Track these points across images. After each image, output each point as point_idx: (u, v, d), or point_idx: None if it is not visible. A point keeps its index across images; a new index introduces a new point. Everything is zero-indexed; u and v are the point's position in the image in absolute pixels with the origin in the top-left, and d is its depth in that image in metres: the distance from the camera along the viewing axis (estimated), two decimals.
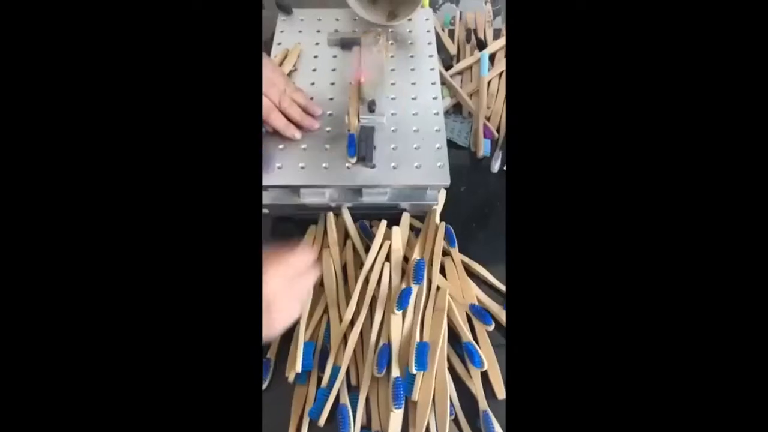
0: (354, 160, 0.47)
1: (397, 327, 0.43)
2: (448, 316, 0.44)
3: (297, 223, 0.52)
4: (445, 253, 0.49)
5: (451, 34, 0.72)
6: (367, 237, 0.50)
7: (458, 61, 0.67)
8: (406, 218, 0.51)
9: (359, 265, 0.48)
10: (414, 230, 0.52)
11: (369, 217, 0.52)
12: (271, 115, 0.48)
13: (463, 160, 0.59)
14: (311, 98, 0.52)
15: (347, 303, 0.45)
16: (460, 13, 0.74)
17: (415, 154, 0.48)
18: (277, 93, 0.48)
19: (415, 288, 0.45)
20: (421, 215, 0.52)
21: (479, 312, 0.45)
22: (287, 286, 0.37)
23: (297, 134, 0.49)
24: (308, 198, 0.49)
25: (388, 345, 0.42)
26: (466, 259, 0.49)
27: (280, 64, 0.55)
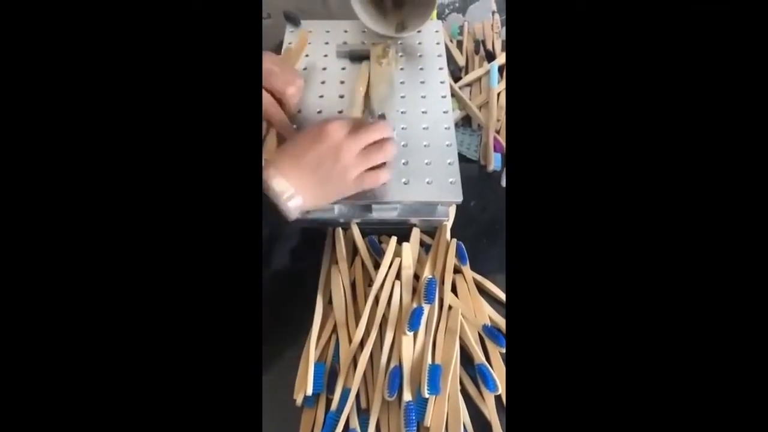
0: None
1: (409, 348, 0.42)
2: (460, 336, 0.43)
3: (305, 237, 0.51)
4: (456, 271, 0.48)
5: (459, 45, 0.71)
6: (376, 253, 0.49)
7: (467, 72, 0.67)
8: (416, 234, 0.50)
9: (368, 282, 0.47)
10: (424, 246, 0.50)
11: (378, 232, 0.51)
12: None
13: (472, 174, 0.58)
14: (319, 112, 0.51)
15: (357, 323, 0.44)
16: (466, 23, 0.74)
17: (426, 170, 0.47)
18: (297, 92, 0.48)
19: (426, 307, 0.44)
20: (431, 231, 0.51)
21: (492, 333, 0.44)
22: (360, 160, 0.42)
23: None
24: (316, 213, 0.48)
25: (399, 367, 0.41)
26: (478, 277, 0.48)
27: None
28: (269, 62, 0.48)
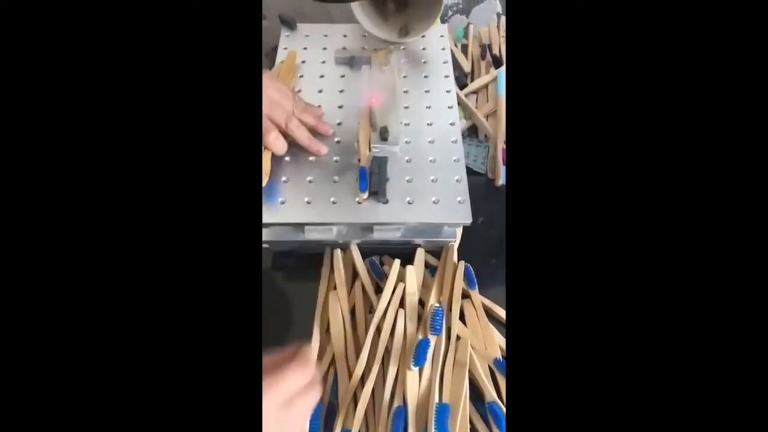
0: (365, 195, 0.43)
1: (414, 384, 0.39)
2: (469, 371, 0.40)
3: (300, 258, 0.48)
4: (464, 296, 0.45)
5: (464, 49, 0.67)
6: (378, 276, 0.45)
7: (473, 79, 0.63)
8: (420, 255, 0.46)
9: (369, 309, 0.44)
10: (429, 267, 0.47)
11: (379, 252, 0.47)
12: (270, 137, 0.44)
13: (479, 188, 0.54)
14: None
15: (357, 355, 0.40)
16: (470, 25, 0.70)
17: (433, 188, 0.44)
18: (283, 114, 0.44)
19: (433, 339, 0.40)
20: (437, 251, 0.48)
21: (505, 367, 0.40)
22: (283, 412, 0.29)
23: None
24: (313, 234, 0.44)
25: (404, 406, 0.38)
26: (488, 302, 0.45)
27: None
28: (274, 91, 0.45)
